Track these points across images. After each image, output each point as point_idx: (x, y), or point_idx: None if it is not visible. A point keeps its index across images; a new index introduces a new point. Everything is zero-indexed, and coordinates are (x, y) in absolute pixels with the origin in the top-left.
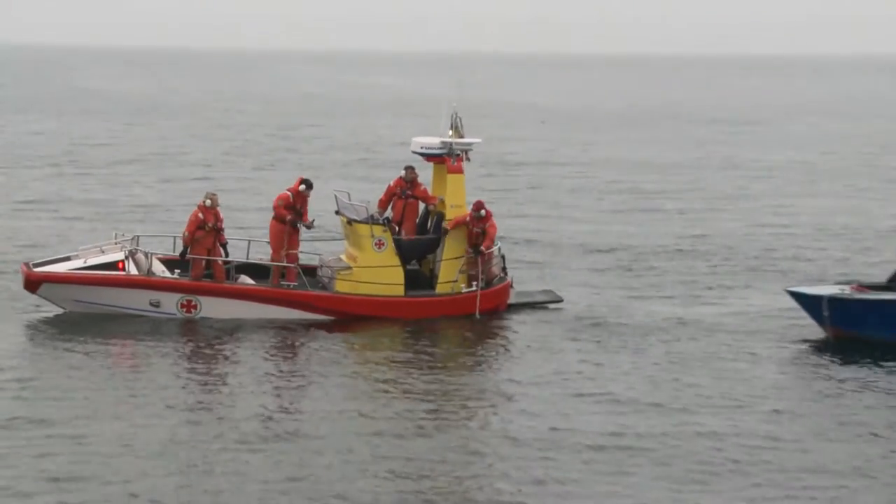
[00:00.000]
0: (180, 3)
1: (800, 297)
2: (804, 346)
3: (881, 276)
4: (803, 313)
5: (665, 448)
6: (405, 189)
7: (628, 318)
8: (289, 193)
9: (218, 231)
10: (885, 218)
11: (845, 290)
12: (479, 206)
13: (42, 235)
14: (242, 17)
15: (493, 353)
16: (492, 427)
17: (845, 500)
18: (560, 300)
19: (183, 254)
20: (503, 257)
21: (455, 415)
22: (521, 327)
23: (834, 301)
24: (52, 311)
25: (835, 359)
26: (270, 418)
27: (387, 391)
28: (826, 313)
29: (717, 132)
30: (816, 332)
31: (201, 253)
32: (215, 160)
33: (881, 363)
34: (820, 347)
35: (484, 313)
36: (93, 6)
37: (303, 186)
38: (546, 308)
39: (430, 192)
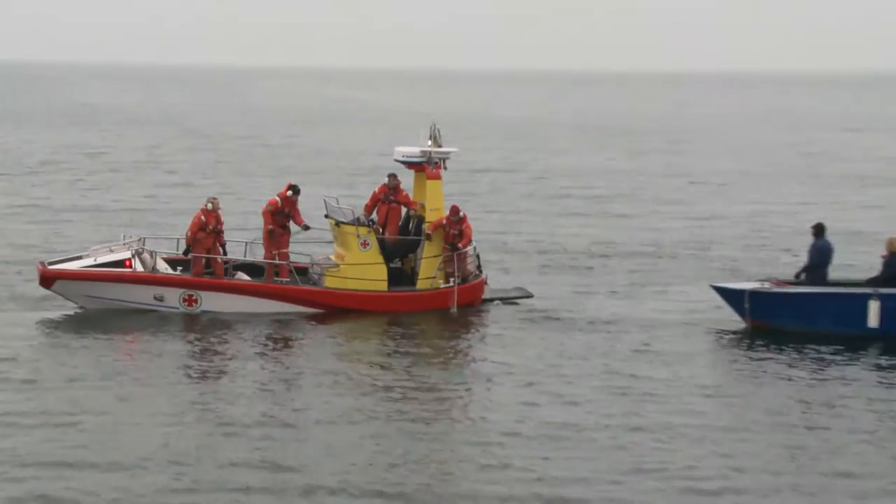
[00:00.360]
0: (182, 17)
1: (723, 292)
2: (731, 337)
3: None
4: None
5: (617, 436)
6: (389, 195)
7: (582, 313)
8: (277, 199)
9: (218, 233)
10: (811, 220)
11: (765, 285)
12: (455, 210)
13: (41, 238)
14: (245, 31)
15: (466, 345)
16: (463, 416)
17: (773, 486)
18: (531, 296)
19: (186, 252)
20: (478, 256)
21: (432, 404)
22: (490, 321)
23: (754, 295)
24: (58, 308)
25: (758, 348)
26: (265, 410)
27: (371, 380)
28: (747, 305)
29: (662, 142)
30: (739, 323)
31: (202, 252)
32: (205, 167)
33: (796, 351)
34: (743, 338)
35: (459, 307)
36: (95, 21)
37: (290, 192)
38: (516, 303)
39: (411, 197)
